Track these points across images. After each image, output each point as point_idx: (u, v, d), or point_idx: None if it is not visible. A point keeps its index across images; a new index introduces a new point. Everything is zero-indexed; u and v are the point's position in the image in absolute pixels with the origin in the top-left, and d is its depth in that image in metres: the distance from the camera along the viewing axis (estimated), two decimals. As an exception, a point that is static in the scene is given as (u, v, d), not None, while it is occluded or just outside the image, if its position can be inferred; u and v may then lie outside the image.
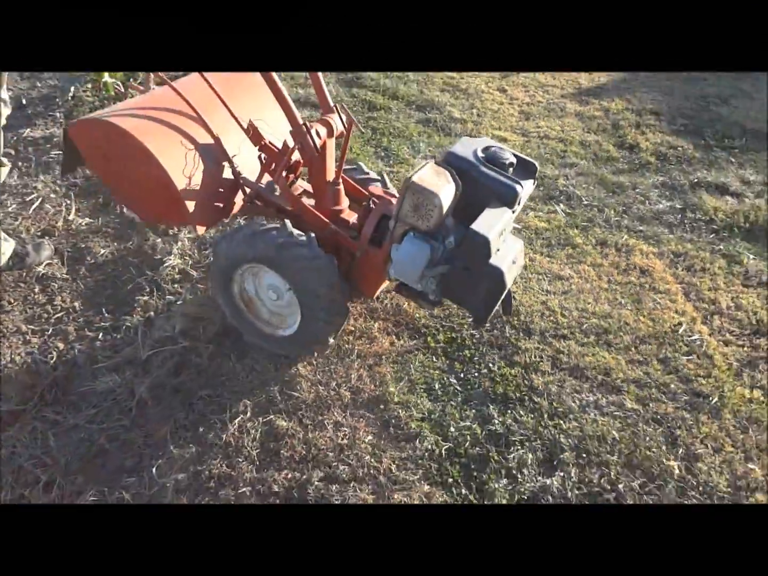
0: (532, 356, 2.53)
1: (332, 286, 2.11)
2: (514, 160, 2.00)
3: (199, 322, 2.64)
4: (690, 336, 2.68)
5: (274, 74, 2.07)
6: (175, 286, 2.85)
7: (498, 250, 1.94)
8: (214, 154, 2.25)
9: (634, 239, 3.34)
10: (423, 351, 2.54)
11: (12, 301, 2.74)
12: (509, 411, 2.31)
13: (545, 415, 2.29)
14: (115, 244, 3.12)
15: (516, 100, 4.89)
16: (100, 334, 2.60)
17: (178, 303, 2.74)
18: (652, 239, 3.36)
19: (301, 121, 2.12)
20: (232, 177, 2.29)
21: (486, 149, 2.01)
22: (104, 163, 2.29)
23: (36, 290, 2.81)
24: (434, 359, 2.51)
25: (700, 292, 2.98)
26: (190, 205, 2.16)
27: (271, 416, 2.25)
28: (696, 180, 3.91)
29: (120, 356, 2.52)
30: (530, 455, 2.14)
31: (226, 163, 2.26)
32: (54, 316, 2.69)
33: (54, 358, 2.50)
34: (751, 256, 3.24)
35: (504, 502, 2.00)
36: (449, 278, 2.00)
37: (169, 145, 2.14)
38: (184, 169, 2.14)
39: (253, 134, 2.18)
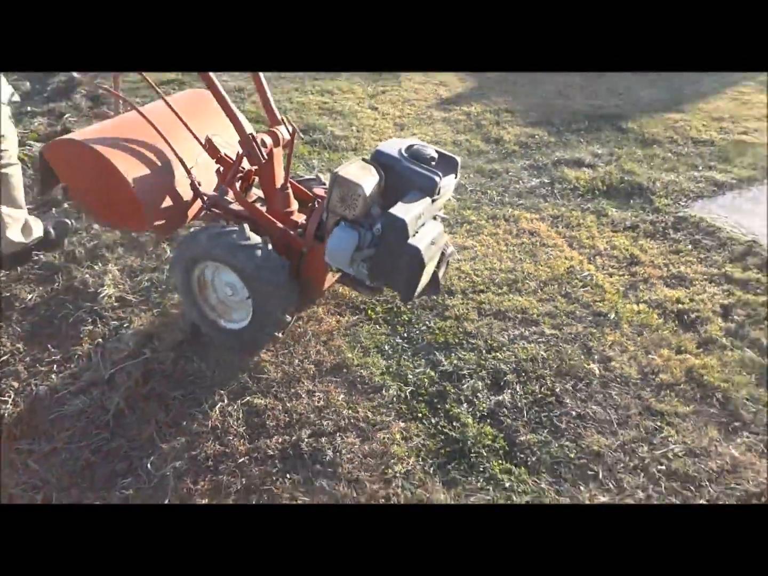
0: (460, 309, 2.90)
1: (284, 285, 2.33)
2: (436, 155, 2.25)
3: (153, 337, 2.78)
4: (582, 274, 3.18)
5: (221, 89, 2.33)
6: (117, 312, 2.96)
7: (416, 232, 2.16)
8: (173, 168, 2.47)
9: (518, 211, 3.85)
10: (367, 323, 2.84)
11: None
12: (453, 354, 2.65)
13: (483, 351, 2.66)
14: (41, 288, 3.17)
15: (388, 114, 5.37)
16: (54, 366, 2.67)
17: (125, 326, 2.86)
18: (533, 208, 3.89)
19: (248, 131, 2.38)
20: (190, 188, 2.51)
21: (410, 147, 2.25)
22: (75, 179, 2.51)
23: (-29, 341, 2.82)
24: (378, 327, 2.82)
25: (580, 241, 3.51)
26: (151, 214, 2.37)
27: (248, 398, 2.44)
28: (556, 159, 4.53)
29: (82, 381, 2.60)
30: (480, 383, 2.49)
31: (185, 176, 2.48)
32: (-1, 359, 2.71)
33: (12, 396, 2.54)
34: (613, 209, 3.85)
35: (469, 421, 2.33)
36: (376, 261, 2.22)
37: (133, 161, 2.36)
38: (146, 182, 2.35)
39: (209, 148, 2.41)
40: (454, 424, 2.32)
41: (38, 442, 2.36)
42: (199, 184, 2.51)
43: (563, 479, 2.13)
